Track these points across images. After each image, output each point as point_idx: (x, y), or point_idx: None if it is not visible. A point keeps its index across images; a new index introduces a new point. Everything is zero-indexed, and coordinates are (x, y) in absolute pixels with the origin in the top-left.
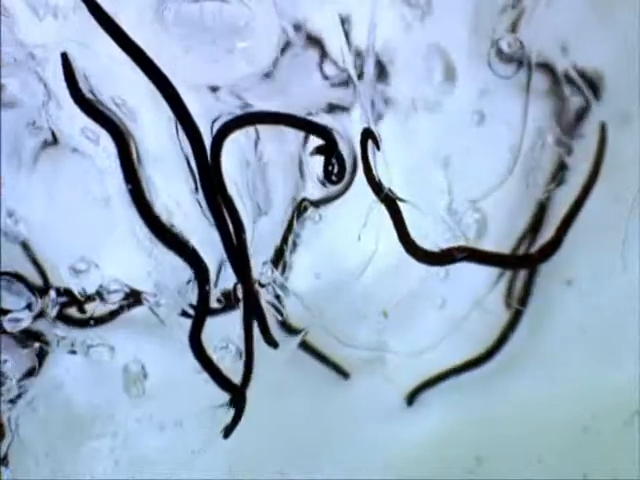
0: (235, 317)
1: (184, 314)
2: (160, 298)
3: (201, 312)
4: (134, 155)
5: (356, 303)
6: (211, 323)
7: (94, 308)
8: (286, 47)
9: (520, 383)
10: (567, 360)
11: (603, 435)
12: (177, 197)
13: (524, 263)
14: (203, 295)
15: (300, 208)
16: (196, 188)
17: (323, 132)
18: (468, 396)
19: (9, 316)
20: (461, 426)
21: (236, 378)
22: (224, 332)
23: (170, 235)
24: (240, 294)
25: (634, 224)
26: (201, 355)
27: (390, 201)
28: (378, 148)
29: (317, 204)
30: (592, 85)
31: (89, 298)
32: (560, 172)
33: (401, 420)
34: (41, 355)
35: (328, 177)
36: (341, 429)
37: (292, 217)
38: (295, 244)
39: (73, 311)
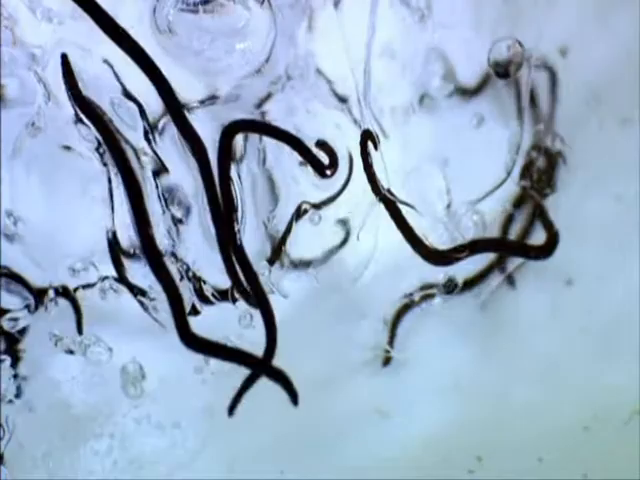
0: (232, 316)
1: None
2: (158, 301)
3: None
4: (130, 159)
5: (356, 303)
6: (209, 322)
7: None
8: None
9: (520, 383)
10: (567, 360)
11: (603, 435)
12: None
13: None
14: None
15: (300, 210)
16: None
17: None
18: (468, 396)
19: (8, 316)
20: (461, 426)
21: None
22: (222, 331)
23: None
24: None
25: (634, 224)
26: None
27: (388, 201)
28: (376, 148)
29: (317, 206)
30: None
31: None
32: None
33: (401, 420)
34: None
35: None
36: (341, 429)
37: (292, 219)
38: (294, 244)
39: None
